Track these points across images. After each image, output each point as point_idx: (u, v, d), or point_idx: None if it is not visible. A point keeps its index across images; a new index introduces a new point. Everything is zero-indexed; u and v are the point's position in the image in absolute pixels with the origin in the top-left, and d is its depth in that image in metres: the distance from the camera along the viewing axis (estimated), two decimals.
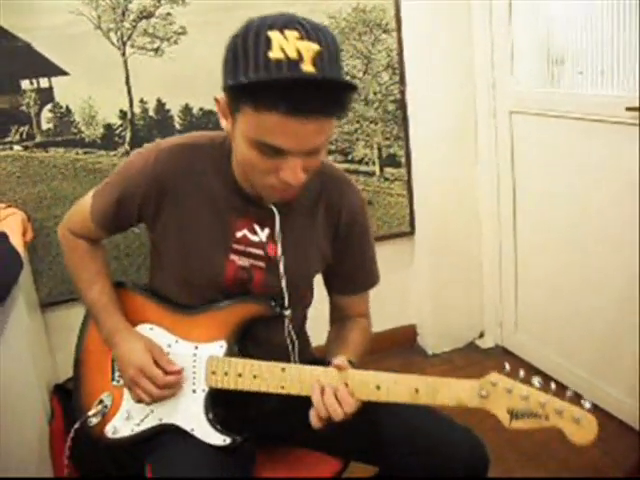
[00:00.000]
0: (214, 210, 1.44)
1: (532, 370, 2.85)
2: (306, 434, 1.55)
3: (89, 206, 1.56)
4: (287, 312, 1.49)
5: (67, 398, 2.19)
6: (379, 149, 2.88)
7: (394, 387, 1.31)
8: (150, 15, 2.44)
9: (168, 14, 2.45)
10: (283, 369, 1.38)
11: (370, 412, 1.47)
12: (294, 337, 1.54)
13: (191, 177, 1.43)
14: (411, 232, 3.03)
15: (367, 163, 2.88)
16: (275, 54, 1.12)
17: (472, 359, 3.05)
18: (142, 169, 1.44)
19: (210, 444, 1.43)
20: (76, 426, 1.56)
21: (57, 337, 2.53)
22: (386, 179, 2.93)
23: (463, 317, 3.13)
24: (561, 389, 1.24)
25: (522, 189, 2.80)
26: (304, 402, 1.37)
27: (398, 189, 2.95)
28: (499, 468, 2.21)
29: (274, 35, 1.14)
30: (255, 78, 1.14)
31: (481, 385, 1.26)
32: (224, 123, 1.30)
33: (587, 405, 1.20)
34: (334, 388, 1.33)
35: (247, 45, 1.15)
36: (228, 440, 1.42)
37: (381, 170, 2.91)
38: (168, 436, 1.46)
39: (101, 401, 1.53)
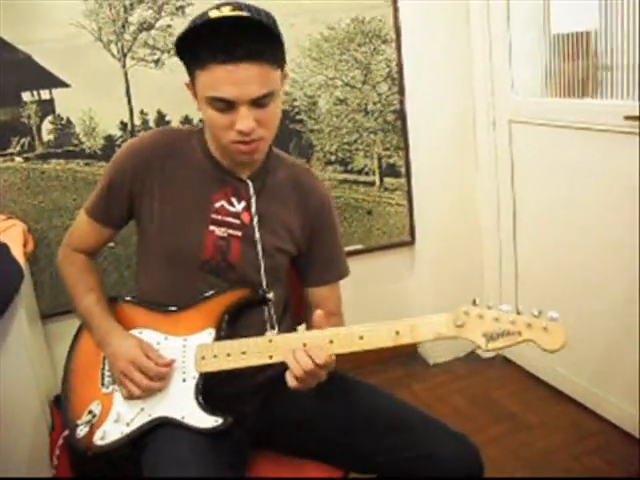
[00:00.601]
0: (194, 185, 1.56)
1: (532, 379, 2.86)
2: (306, 443, 1.59)
3: (83, 209, 1.68)
4: (269, 295, 1.57)
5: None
6: (379, 159, 2.89)
7: (376, 334, 1.36)
8: (150, 27, 2.46)
9: (168, 26, 2.46)
10: (270, 340, 1.43)
11: (364, 421, 1.53)
12: (274, 317, 1.59)
13: (173, 156, 1.56)
14: (411, 242, 3.04)
15: (367, 173, 2.89)
16: (203, 17, 1.36)
17: (473, 368, 3.04)
18: (128, 152, 1.58)
19: (202, 428, 1.43)
20: (65, 434, 1.57)
21: (58, 348, 2.52)
22: (386, 189, 2.94)
23: None
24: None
25: (522, 198, 2.81)
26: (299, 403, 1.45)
27: (398, 199, 2.96)
28: (501, 475, 2.20)
29: (211, 11, 1.36)
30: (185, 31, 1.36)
31: (456, 315, 1.32)
32: (196, 104, 1.46)
33: (553, 315, 1.27)
34: (305, 346, 1.37)
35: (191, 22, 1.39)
36: (220, 420, 1.43)
37: (381, 180, 2.92)
38: (159, 431, 1.46)
39: (90, 411, 1.53)
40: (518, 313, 1.29)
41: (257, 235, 1.55)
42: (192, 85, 1.44)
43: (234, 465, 1.48)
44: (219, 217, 1.55)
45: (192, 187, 1.56)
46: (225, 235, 1.55)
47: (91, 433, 1.50)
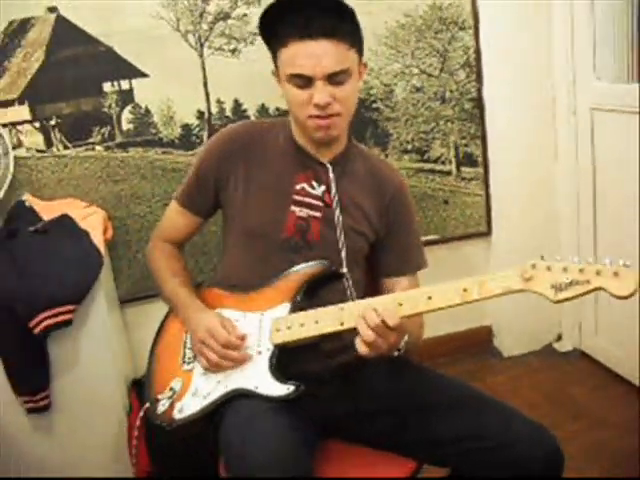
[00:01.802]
0: (277, 168, 1.65)
1: (611, 376, 2.77)
2: (379, 432, 1.59)
3: (174, 199, 1.79)
4: (344, 270, 1.60)
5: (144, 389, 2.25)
6: (456, 148, 2.85)
7: (444, 294, 1.35)
8: (227, 16, 2.47)
9: (244, 15, 2.47)
10: (342, 308, 1.46)
11: (441, 409, 1.53)
12: (354, 296, 1.61)
13: (257, 143, 1.66)
14: (488, 232, 2.98)
15: (443, 162, 2.85)
16: None
17: (549, 362, 2.97)
18: (216, 141, 1.71)
19: (274, 396, 1.46)
20: (146, 405, 1.62)
21: (136, 333, 2.58)
22: (463, 178, 2.89)
23: (540, 319, 3.06)
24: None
25: (603, 190, 2.72)
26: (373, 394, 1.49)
27: (475, 189, 2.91)
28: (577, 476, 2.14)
29: None
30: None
31: (523, 269, 1.29)
32: (281, 90, 1.57)
33: (625, 262, 1.22)
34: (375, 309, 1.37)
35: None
36: (291, 388, 1.45)
37: (458, 169, 2.87)
38: (235, 402, 1.50)
39: (171, 388, 1.59)
40: (588, 263, 1.25)
41: (336, 216, 1.61)
42: (276, 70, 1.56)
43: (308, 443, 1.49)
44: (300, 198, 1.62)
45: (275, 170, 1.65)
46: (305, 216, 1.61)
47: (171, 408, 1.56)
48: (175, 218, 1.79)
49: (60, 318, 1.92)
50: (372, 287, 1.73)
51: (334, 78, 1.47)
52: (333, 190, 1.62)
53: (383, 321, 1.33)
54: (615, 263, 1.22)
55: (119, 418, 2.19)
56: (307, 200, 1.62)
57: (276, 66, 1.55)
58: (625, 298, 1.20)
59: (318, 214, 1.61)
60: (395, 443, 1.58)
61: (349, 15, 1.49)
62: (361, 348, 1.37)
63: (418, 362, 1.67)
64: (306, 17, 1.43)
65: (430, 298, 1.36)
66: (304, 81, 1.47)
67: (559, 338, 3.09)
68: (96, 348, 2.11)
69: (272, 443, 1.37)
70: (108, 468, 2.19)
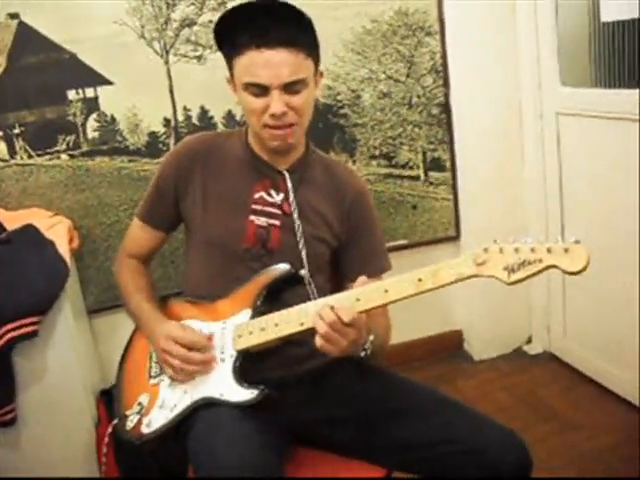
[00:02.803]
0: (235, 178, 1.64)
1: (581, 377, 2.79)
2: (348, 439, 1.59)
3: (136, 215, 1.79)
4: (303, 271, 1.59)
5: (113, 402, 2.22)
6: (423, 153, 2.86)
7: (399, 285, 1.34)
8: (192, 23, 2.46)
9: (210, 21, 2.45)
10: (301, 309, 1.45)
11: (409, 416, 1.53)
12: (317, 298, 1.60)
13: (214, 154, 1.66)
14: (457, 237, 2.99)
15: (411, 167, 2.86)
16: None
17: (520, 365, 2.99)
18: (172, 155, 1.71)
19: (239, 402, 1.46)
20: (110, 429, 1.62)
21: (103, 343, 2.56)
22: (431, 183, 2.90)
23: (510, 322, 3.08)
24: None
25: (570, 192, 2.74)
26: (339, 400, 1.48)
27: (443, 193, 2.92)
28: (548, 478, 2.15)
29: None
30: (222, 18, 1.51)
31: (476, 254, 1.30)
32: (236, 97, 1.56)
33: (572, 239, 1.23)
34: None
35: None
36: (255, 392, 1.45)
37: (426, 174, 2.88)
38: (201, 412, 1.50)
39: (139, 403, 1.59)
40: (539, 242, 1.26)
41: (296, 224, 1.60)
42: (231, 77, 1.55)
43: (277, 446, 1.49)
44: (258, 207, 1.62)
45: (233, 180, 1.64)
46: (265, 224, 1.61)
47: (139, 423, 1.56)
48: (138, 234, 1.79)
49: (25, 330, 1.90)
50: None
51: (290, 87, 1.47)
52: (291, 197, 1.62)
53: (339, 317, 1.33)
54: (565, 240, 1.24)
55: (87, 430, 2.17)
56: (266, 209, 1.62)
57: (231, 74, 1.55)
58: (576, 274, 1.22)
59: (277, 222, 1.61)
60: (365, 449, 1.58)
61: (307, 24, 1.49)
62: (318, 342, 1.36)
63: (387, 368, 1.67)
64: (264, 25, 1.43)
65: (386, 291, 1.35)
66: (260, 90, 1.47)
67: (529, 341, 3.11)
68: (63, 359, 2.08)
69: (239, 447, 1.38)
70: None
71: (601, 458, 2.29)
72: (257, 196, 1.62)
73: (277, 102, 1.46)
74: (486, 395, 2.76)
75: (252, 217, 1.61)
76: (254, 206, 1.62)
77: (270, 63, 1.44)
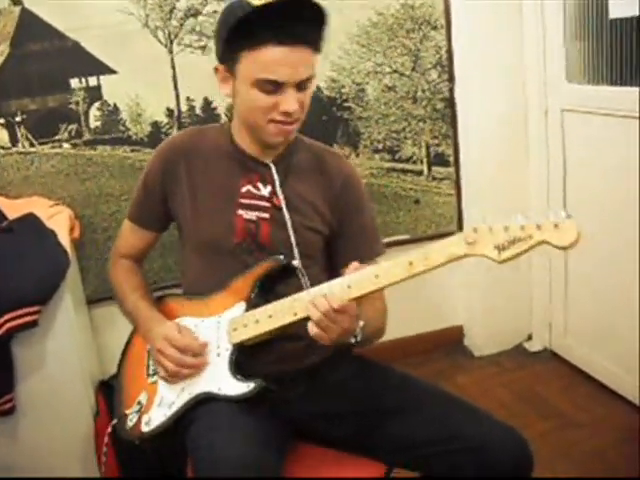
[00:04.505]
0: (221, 174, 1.62)
1: (581, 375, 2.79)
2: (349, 435, 1.58)
3: (126, 217, 1.79)
4: (295, 262, 1.56)
5: (112, 394, 2.20)
6: (427, 148, 2.84)
7: (390, 269, 1.34)
8: (197, 13, 2.44)
9: (215, 12, 2.44)
10: (294, 299, 1.44)
11: (410, 412, 1.52)
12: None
13: (199, 151, 1.64)
14: (459, 232, 2.97)
15: (415, 162, 2.84)
16: (256, 2, 1.37)
17: (520, 362, 2.98)
18: (157, 154, 1.69)
19: (235, 395, 1.46)
20: (113, 422, 1.63)
21: (103, 333, 2.55)
22: (434, 178, 2.89)
23: (511, 319, 3.07)
24: None
25: (573, 189, 2.73)
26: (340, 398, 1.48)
27: (446, 188, 2.91)
28: (547, 476, 2.14)
29: None
30: (243, 13, 1.38)
31: (465, 235, 1.28)
32: (224, 89, 1.53)
33: (562, 214, 1.22)
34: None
35: (232, 6, 1.42)
36: (252, 385, 1.45)
37: (429, 169, 2.87)
38: (200, 408, 1.50)
39: (138, 402, 1.60)
40: (528, 218, 1.25)
41: (286, 215, 1.58)
42: (228, 72, 1.49)
43: (277, 442, 1.49)
44: (246, 201, 1.60)
45: (218, 176, 1.63)
46: (254, 218, 1.59)
47: (139, 421, 1.56)
48: (129, 235, 1.78)
49: (25, 319, 1.88)
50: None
51: (302, 84, 1.46)
52: (278, 189, 1.59)
53: (331, 305, 1.32)
54: (557, 214, 1.22)
55: (86, 420, 2.16)
56: (254, 202, 1.60)
57: (231, 67, 1.48)
58: (566, 248, 1.21)
59: (266, 215, 1.59)
60: (364, 446, 1.57)
61: (326, 22, 1.45)
62: (311, 329, 1.35)
63: (386, 363, 1.66)
64: (290, 22, 1.38)
65: (377, 276, 1.34)
66: (274, 87, 1.43)
67: (529, 338, 3.10)
68: (62, 350, 2.07)
69: (239, 445, 1.37)
70: (74, 470, 2.15)
71: (600, 456, 2.29)
72: (244, 190, 1.60)
73: (292, 100, 1.44)
74: (486, 391, 2.75)
75: (240, 211, 1.60)
76: (242, 200, 1.60)
77: (289, 60, 1.41)
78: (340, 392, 1.61)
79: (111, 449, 1.76)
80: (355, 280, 1.36)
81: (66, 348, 2.09)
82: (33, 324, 1.90)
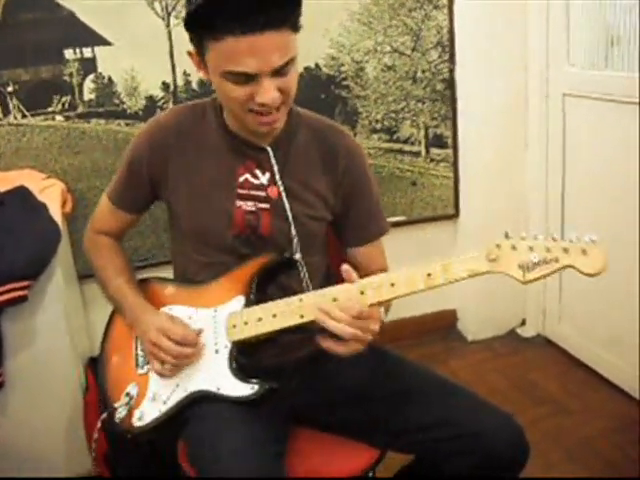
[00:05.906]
0: (216, 162, 1.52)
1: (574, 362, 2.78)
2: (346, 420, 1.57)
3: (105, 193, 1.67)
4: (297, 256, 1.51)
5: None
6: (426, 129, 2.81)
7: (407, 279, 1.31)
8: None
9: None
10: (300, 299, 1.39)
11: (406, 397, 1.50)
12: (309, 282, 1.54)
13: (190, 135, 1.52)
14: (456, 215, 2.96)
15: (413, 143, 2.81)
16: None
17: (513, 347, 2.98)
18: (144, 135, 1.56)
19: (238, 397, 1.40)
20: (103, 417, 1.56)
21: (94, 309, 2.52)
22: (432, 160, 2.86)
23: (505, 304, 3.06)
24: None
25: (572, 174, 2.70)
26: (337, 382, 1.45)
27: (444, 171, 2.88)
28: (539, 461, 2.14)
29: None
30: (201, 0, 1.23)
31: (488, 250, 1.26)
32: (202, 74, 1.39)
33: (591, 237, 1.20)
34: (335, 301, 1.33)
35: None
36: (255, 387, 1.39)
37: (427, 151, 2.84)
38: (197, 406, 1.44)
39: (127, 393, 1.51)
40: (554, 240, 1.22)
41: (286, 206, 1.50)
42: (199, 58, 1.35)
43: (277, 439, 1.45)
44: (244, 191, 1.51)
45: (214, 164, 1.52)
46: (254, 209, 1.51)
47: (130, 415, 1.49)
48: (108, 214, 1.67)
49: (15, 294, 1.86)
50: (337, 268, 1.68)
51: (280, 70, 1.30)
52: (277, 177, 1.50)
53: (346, 313, 1.28)
54: (581, 239, 1.20)
55: (75, 396, 2.15)
56: (252, 192, 1.50)
57: (200, 54, 1.34)
58: (594, 276, 1.19)
59: (267, 205, 1.50)
60: (360, 431, 1.55)
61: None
62: (322, 340, 1.32)
63: (385, 348, 1.64)
64: (249, 7, 1.21)
65: (393, 285, 1.31)
66: (245, 78, 1.29)
67: (523, 323, 3.10)
68: (52, 325, 2.06)
69: (247, 458, 1.32)
70: (62, 445, 2.16)
71: (592, 443, 2.29)
72: (242, 179, 1.50)
73: (269, 90, 1.30)
74: (478, 376, 2.75)
75: (239, 202, 1.50)
76: (240, 190, 1.50)
77: (256, 49, 1.24)
78: (336, 378, 1.58)
79: (102, 443, 1.71)
80: (369, 286, 1.33)
81: (56, 323, 2.07)
82: (23, 299, 1.87)
